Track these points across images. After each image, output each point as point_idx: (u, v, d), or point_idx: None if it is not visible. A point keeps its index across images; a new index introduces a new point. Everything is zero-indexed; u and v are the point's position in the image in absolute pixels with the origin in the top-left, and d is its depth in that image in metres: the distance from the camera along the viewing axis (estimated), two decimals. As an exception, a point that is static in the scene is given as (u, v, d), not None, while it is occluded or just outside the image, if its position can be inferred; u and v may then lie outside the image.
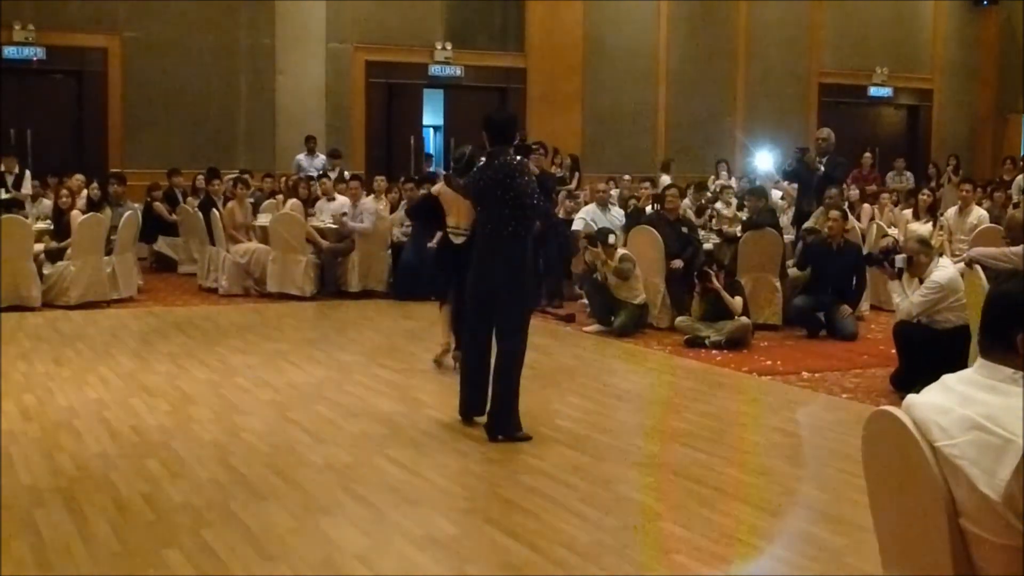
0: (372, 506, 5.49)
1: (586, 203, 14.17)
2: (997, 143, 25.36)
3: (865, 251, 11.54)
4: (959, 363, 2.78)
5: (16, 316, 11.42)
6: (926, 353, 7.62)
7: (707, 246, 11.83)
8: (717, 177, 19.01)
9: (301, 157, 18.36)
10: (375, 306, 12.80)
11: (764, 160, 18.41)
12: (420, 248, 12.35)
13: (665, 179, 17.80)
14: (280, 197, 15.51)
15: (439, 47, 20.99)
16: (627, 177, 17.62)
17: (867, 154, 19.30)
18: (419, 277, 12.15)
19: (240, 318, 11.81)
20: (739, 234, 11.96)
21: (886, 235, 12.16)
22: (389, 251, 13.70)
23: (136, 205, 14.65)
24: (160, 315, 11.90)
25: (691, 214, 12.69)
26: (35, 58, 18.38)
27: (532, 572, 4.66)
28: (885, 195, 15.53)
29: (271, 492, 5.71)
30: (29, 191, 15.58)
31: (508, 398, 6.89)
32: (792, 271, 11.58)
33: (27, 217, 12.98)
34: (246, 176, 15.48)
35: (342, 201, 14.45)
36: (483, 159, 7.20)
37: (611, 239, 11.02)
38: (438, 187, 9.09)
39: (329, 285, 13.50)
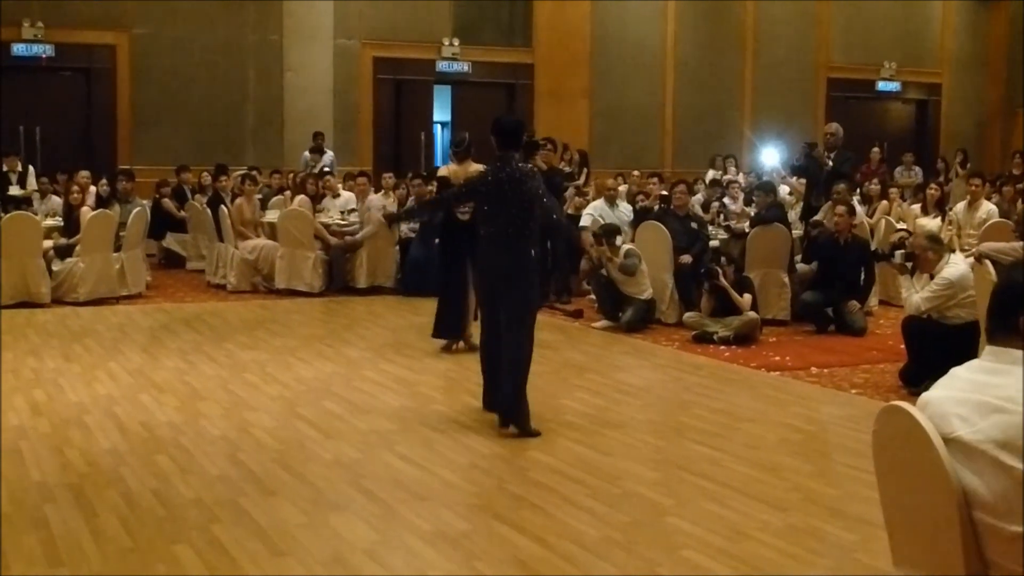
0: (381, 501, 5.49)
1: (594, 199, 14.16)
2: (1006, 137, 25.31)
3: (874, 246, 11.54)
4: (969, 358, 2.77)
5: (26, 312, 11.45)
6: (935, 349, 7.60)
7: (714, 242, 11.81)
8: (725, 172, 18.99)
9: (308, 153, 18.37)
10: (383, 302, 12.80)
11: (770, 156, 18.37)
12: (428, 244, 12.35)
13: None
14: (288, 193, 15.52)
15: (447, 43, 20.99)
16: (636, 172, 17.64)
17: (875, 149, 19.25)
18: (427, 273, 12.15)
19: (248, 314, 11.82)
20: (747, 229, 11.94)
21: (898, 230, 12.13)
22: (397, 247, 13.69)
23: (145, 201, 14.66)
24: (169, 311, 11.91)
25: (698, 209, 12.66)
26: (44, 55, 18.42)
27: (541, 567, 4.66)
28: (893, 190, 15.47)
29: (280, 487, 5.72)
30: (34, 187, 15.60)
31: (517, 392, 6.96)
32: (800, 266, 11.55)
33: (35, 214, 13.00)
34: (254, 173, 15.50)
35: (347, 197, 14.47)
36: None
37: (618, 240, 11.01)
38: (444, 169, 9.33)
39: (337, 281, 13.50)
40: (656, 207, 12.91)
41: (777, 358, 9.51)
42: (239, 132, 19.35)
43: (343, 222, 13.99)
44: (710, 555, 4.81)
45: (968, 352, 6.46)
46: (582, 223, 13.17)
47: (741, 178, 18.39)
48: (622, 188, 15.73)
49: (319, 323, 11.53)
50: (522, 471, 6.07)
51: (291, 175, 16.97)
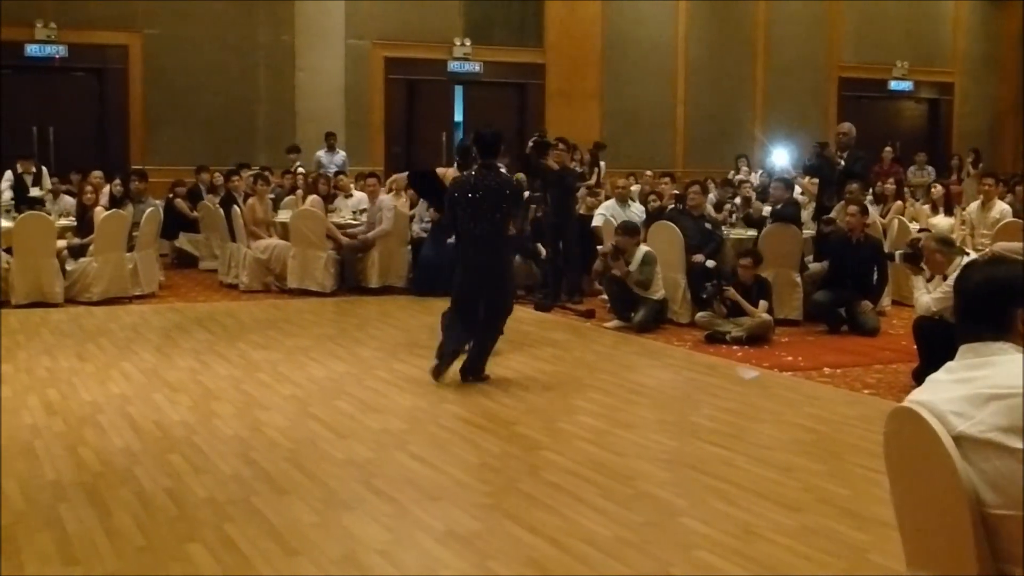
0: (393, 501, 5.50)
1: (606, 199, 14.16)
2: (1018, 136, 25.23)
3: (887, 247, 11.52)
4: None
5: (40, 312, 11.49)
6: (947, 349, 7.56)
7: (734, 233, 11.73)
8: (737, 172, 18.98)
9: (321, 154, 18.43)
10: (395, 302, 12.82)
11: (781, 156, 18.35)
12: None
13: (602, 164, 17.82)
14: (300, 193, 15.55)
15: (458, 43, 21.02)
16: (648, 172, 17.63)
17: (887, 148, 19.22)
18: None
19: (261, 314, 11.85)
20: (766, 213, 11.93)
21: (920, 231, 12.10)
22: (409, 247, 13.71)
23: (157, 201, 14.70)
24: (182, 311, 11.95)
25: (711, 209, 12.66)
26: (57, 56, 18.49)
27: (553, 567, 4.67)
28: (905, 189, 15.47)
29: (293, 487, 5.73)
30: (49, 187, 15.67)
31: (483, 361, 8.37)
32: (812, 265, 11.54)
33: (49, 214, 13.04)
34: (266, 173, 15.52)
35: (359, 197, 14.51)
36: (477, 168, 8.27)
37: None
38: (443, 169, 9.77)
39: (349, 281, 13.52)
40: (670, 207, 12.91)
41: (789, 358, 9.50)
42: (251, 132, 19.40)
43: (355, 222, 14.01)
44: (723, 555, 4.81)
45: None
46: (594, 223, 13.20)
47: (753, 178, 18.39)
48: (634, 188, 15.74)
49: (331, 323, 11.55)
50: (534, 471, 6.07)
51: (301, 175, 16.95)
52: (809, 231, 12.18)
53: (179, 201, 16.17)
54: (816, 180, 12.69)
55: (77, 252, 12.31)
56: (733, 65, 23.23)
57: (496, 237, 8.07)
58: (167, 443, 6.56)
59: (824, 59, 24.02)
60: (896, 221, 13.12)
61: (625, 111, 22.15)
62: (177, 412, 7.33)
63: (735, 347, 9.97)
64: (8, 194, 15.13)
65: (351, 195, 14.95)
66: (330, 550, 4.82)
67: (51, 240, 12.08)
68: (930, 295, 8.14)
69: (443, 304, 9.80)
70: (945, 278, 8.10)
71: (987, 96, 25.68)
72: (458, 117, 22.23)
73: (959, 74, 25.47)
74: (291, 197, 15.68)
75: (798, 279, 11.36)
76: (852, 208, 11.01)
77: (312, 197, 14.36)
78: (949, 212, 14.09)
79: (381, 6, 20.31)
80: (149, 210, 13.23)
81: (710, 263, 11.21)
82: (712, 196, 14.28)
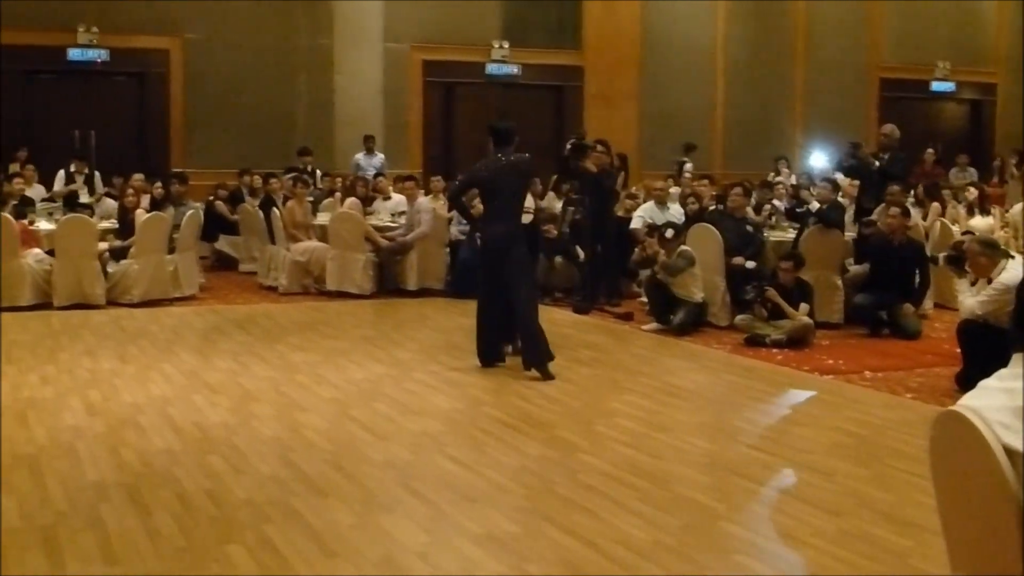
0: (432, 503, 5.51)
1: (644, 201, 14.12)
2: (1062, 138, 24.94)
3: (929, 249, 11.42)
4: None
5: (81, 314, 11.59)
6: (992, 353, 7.48)
7: (774, 235, 11.65)
8: (777, 174, 18.89)
9: (359, 156, 18.45)
10: (433, 304, 12.85)
11: (819, 159, 18.27)
12: (477, 245, 12.36)
13: (688, 167, 17.72)
14: (339, 196, 15.59)
15: (496, 45, 21.02)
16: (688, 174, 17.54)
17: (929, 150, 19.06)
18: (476, 275, 12.16)
19: (300, 316, 11.90)
20: (810, 208, 11.87)
21: (964, 233, 11.99)
22: (447, 249, 13.73)
23: (197, 204, 14.79)
24: (221, 313, 12.02)
25: (751, 212, 12.59)
26: (99, 60, 18.66)
27: (591, 570, 4.65)
28: (947, 191, 15.33)
29: (332, 489, 5.74)
30: (102, 190, 15.84)
31: (533, 336, 8.66)
32: (853, 268, 11.45)
33: (92, 216, 13.15)
34: (305, 176, 15.58)
35: (398, 200, 14.52)
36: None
37: (668, 232, 10.98)
38: None
39: (387, 283, 13.55)
40: (709, 208, 12.87)
41: (830, 361, 9.44)
42: (290, 135, 19.44)
43: (393, 224, 14.04)
44: (762, 559, 4.78)
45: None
46: (632, 224, 13.16)
47: (793, 179, 18.29)
48: (673, 190, 15.67)
49: (369, 325, 11.58)
50: (572, 473, 6.06)
51: (339, 178, 16.99)
52: (850, 233, 12.09)
53: (219, 204, 16.26)
54: (856, 182, 12.59)
55: (118, 254, 12.41)
56: (772, 66, 23.10)
57: (512, 209, 8.91)
58: (207, 444, 6.60)
59: (865, 60, 23.83)
60: (938, 224, 13.01)
61: (663, 113, 22.07)
62: (217, 413, 7.37)
63: (775, 350, 9.91)
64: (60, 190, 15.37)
65: (389, 198, 14.98)
66: (369, 552, 4.83)
67: (93, 242, 12.19)
68: (975, 298, 8.07)
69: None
70: (990, 281, 8.02)
71: (1030, 97, 25.40)
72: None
73: (1002, 74, 25.19)
74: (330, 200, 15.74)
75: (839, 282, 11.28)
76: (893, 210, 10.93)
77: (350, 200, 14.40)
78: (985, 213, 13.95)
79: (419, 8, 20.34)
80: (189, 213, 13.32)
81: (750, 264, 11.17)
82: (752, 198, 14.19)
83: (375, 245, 13.48)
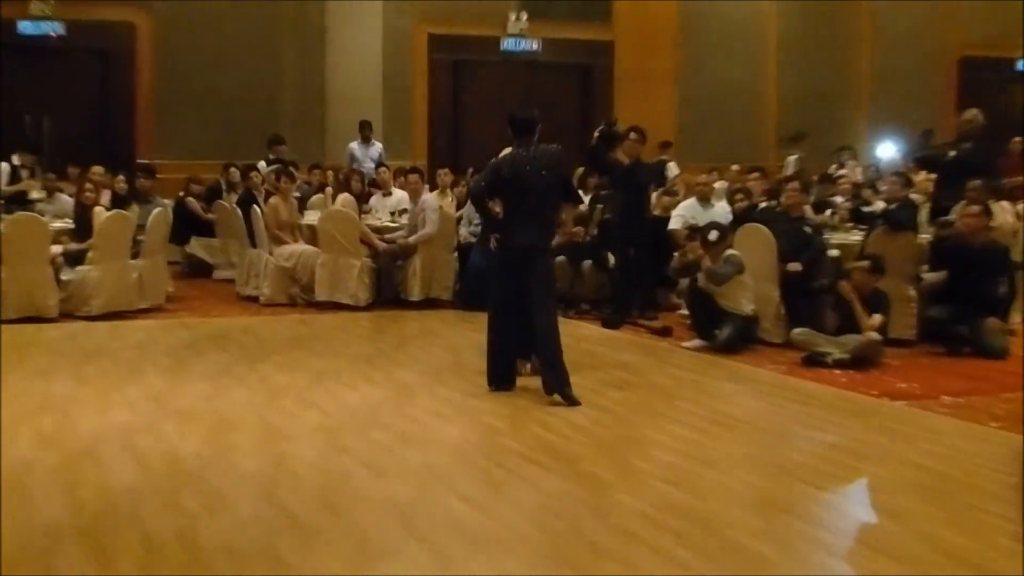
0: (438, 550, 5.48)
1: (685, 198, 14.10)
2: None
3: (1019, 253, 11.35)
4: None
5: (32, 329, 11.60)
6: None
7: (833, 251, 11.62)
8: (840, 167, 18.83)
9: (354, 146, 18.50)
10: (440, 317, 12.84)
11: (887, 148, 18.22)
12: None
13: (791, 160, 17.62)
14: (330, 191, 15.62)
15: (513, 18, 21.04)
16: (734, 167, 17.51)
17: (1017, 139, 18.96)
18: (489, 284, 12.17)
19: (285, 331, 11.91)
20: (877, 212, 11.87)
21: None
22: (455, 254, 13.73)
23: (167, 201, 14.83)
24: (194, 327, 12.03)
25: (809, 211, 12.57)
26: (54, 34, 18.71)
27: (625, 629, 4.62)
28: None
29: (322, 532, 5.72)
30: (35, 184, 15.73)
31: (557, 361, 8.67)
32: (928, 276, 11.36)
33: (42, 215, 13.06)
34: (291, 168, 15.59)
35: (399, 196, 14.53)
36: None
37: (712, 235, 10.96)
38: None
39: (387, 293, 13.56)
40: (761, 206, 12.84)
41: (902, 385, 9.41)
42: (275, 121, 19.48)
43: (394, 224, 14.05)
44: (825, 617, 4.75)
45: None
46: (671, 225, 13.14)
47: (858, 172, 18.24)
48: (718, 185, 15.65)
49: (366, 341, 11.57)
50: (601, 515, 6.03)
51: (330, 171, 17.02)
52: (926, 235, 12.02)
53: (192, 201, 16.31)
54: (933, 176, 12.55)
55: (74, 259, 12.41)
56: (833, 41, 23.06)
57: (544, 214, 8.88)
58: (177, 480, 6.58)
59: (941, 36, 23.75)
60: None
61: (706, 95, 22.07)
62: (189, 444, 7.35)
63: (837, 371, 9.88)
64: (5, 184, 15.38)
65: (390, 193, 15.00)
66: (365, 606, 4.80)
67: (45, 245, 12.20)
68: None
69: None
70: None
71: None
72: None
73: (1101, 51, 25.11)
74: (320, 196, 15.76)
75: (912, 292, 11.22)
76: (972, 208, 10.87)
77: (344, 196, 14.43)
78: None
79: (423, -25, 20.41)
80: (157, 211, 13.34)
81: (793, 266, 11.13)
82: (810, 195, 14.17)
83: (372, 248, 13.48)
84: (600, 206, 13.38)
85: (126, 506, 6.12)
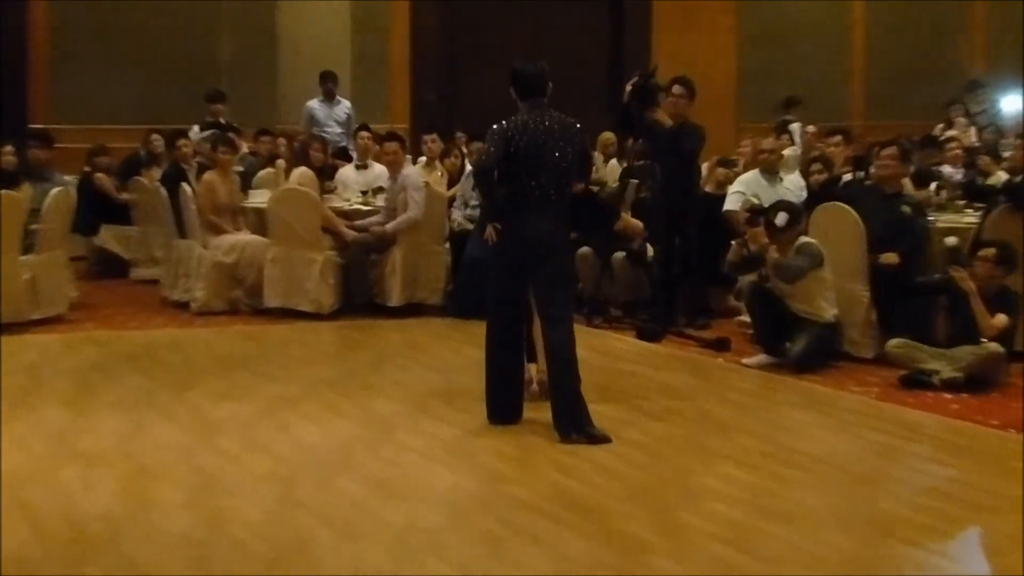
0: (424, 636, 5.45)
1: (746, 169, 14.05)
2: None
3: None
4: None
5: None
6: None
7: (951, 239, 11.56)
8: (948, 126, 18.76)
9: (314, 104, 18.48)
10: (427, 327, 12.85)
11: (1013, 101, 18.14)
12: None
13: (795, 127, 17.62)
14: (282, 164, 15.57)
15: (517, -65, 21.02)
16: (810, 128, 17.43)
17: None
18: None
19: (225, 347, 11.90)
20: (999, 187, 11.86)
21: None
22: (447, 245, 13.69)
23: (69, 179, 14.78)
24: (104, 343, 12.01)
25: (909, 185, 12.52)
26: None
27: None
28: None
29: (271, 614, 5.70)
30: None
31: (577, 392, 8.68)
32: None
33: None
34: (232, 134, 15.54)
35: (377, 172, 14.47)
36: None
37: (780, 218, 10.92)
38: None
39: (358, 297, 13.55)
40: (844, 179, 12.78)
41: (1032, 412, 9.38)
42: (210, 73, 19.44)
43: (366, 207, 14.01)
44: None
45: None
46: (727, 205, 13.10)
47: (972, 134, 18.17)
48: (788, 152, 15.59)
49: (331, 360, 11.56)
50: (639, 588, 6.01)
51: (282, 138, 16.98)
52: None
53: (101, 177, 16.27)
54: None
55: (-53, 256, 12.42)
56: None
57: (561, 198, 8.88)
58: (81, 546, 6.55)
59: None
60: None
61: (773, 35, 22.02)
62: (96, 499, 7.32)
63: (947, 394, 9.85)
64: None
65: (365, 166, 14.96)
66: None
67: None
68: None
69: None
70: None
71: None
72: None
73: None
74: (270, 171, 15.72)
75: (1043, 293, 11.20)
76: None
77: (301, 170, 14.36)
78: None
79: None
80: (56, 191, 13.30)
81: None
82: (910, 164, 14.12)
83: (339, 239, 13.45)
84: (635, 182, 13.32)
85: (13, 581, 6.09)
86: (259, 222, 13.82)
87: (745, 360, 11.17)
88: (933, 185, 13.45)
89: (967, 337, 10.20)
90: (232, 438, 8.66)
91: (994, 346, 10.16)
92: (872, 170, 12.20)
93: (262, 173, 15.75)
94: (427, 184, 13.67)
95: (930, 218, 12.01)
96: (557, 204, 8.82)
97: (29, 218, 12.85)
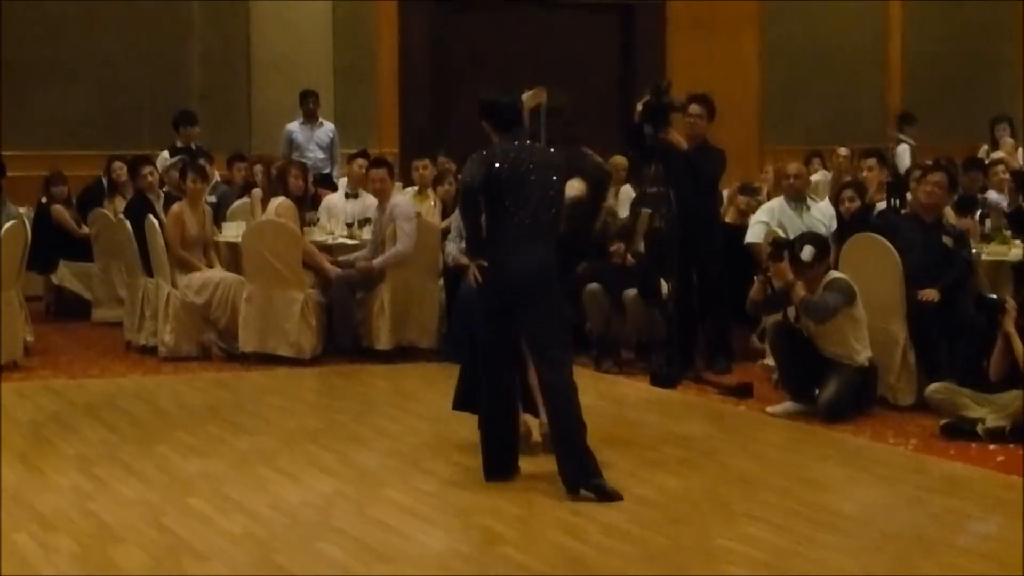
0: None
1: (770, 196, 14.07)
2: None
3: None
4: None
5: None
6: None
7: (988, 252, 11.56)
8: (995, 146, 18.77)
9: (294, 127, 18.48)
10: (418, 373, 12.87)
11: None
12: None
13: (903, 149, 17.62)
14: (259, 194, 15.60)
15: (520, -62, 21.10)
16: (841, 151, 17.45)
17: None
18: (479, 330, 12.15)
19: (195, 396, 11.91)
20: None
21: None
22: (440, 281, 13.71)
23: (23, 210, 14.80)
24: (63, 392, 12.02)
25: (950, 213, 12.54)
26: None
27: None
28: None
29: None
30: None
31: (580, 438, 8.64)
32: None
33: None
34: (203, 161, 15.56)
35: (368, 202, 14.45)
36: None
37: (806, 252, 10.93)
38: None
39: (342, 339, 13.57)
40: (879, 207, 12.80)
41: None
42: (177, 94, 19.47)
43: (352, 240, 14.03)
44: None
45: None
46: (749, 236, 13.09)
47: (1021, 156, 18.18)
48: (816, 177, 15.63)
49: (312, 410, 11.57)
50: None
51: (258, 165, 17.01)
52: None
53: (59, 209, 16.28)
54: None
55: None
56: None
57: (550, 230, 8.99)
58: (37, 617, 6.58)
59: None
60: None
61: (801, 49, 22.07)
62: (53, 565, 7.33)
63: (992, 445, 9.85)
64: None
65: (357, 195, 14.97)
66: None
67: None
68: None
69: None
70: None
71: None
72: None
73: None
74: (245, 200, 15.74)
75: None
76: None
77: (280, 201, 14.37)
78: None
79: None
80: (9, 224, 13.32)
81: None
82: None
83: (322, 275, 13.47)
84: (647, 211, 13.34)
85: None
86: (233, 257, 13.85)
87: (770, 408, 11.18)
88: (977, 213, 13.48)
89: (1017, 380, 10.21)
90: (203, 497, 8.66)
91: (1046, 392, 10.19)
92: (910, 196, 12.20)
93: (236, 204, 15.80)
94: (418, 214, 13.72)
95: (974, 250, 12.05)
96: (546, 236, 8.90)
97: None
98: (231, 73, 19.75)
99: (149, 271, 13.90)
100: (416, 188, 15.12)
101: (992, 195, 14.57)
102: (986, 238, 12.71)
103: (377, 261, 13.49)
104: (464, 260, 13.23)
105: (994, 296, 10.58)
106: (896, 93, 22.82)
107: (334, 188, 16.33)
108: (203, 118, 19.01)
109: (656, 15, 21.78)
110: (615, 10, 21.90)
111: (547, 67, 20.60)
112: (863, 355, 10.89)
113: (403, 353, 13.49)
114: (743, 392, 11.69)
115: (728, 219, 13.69)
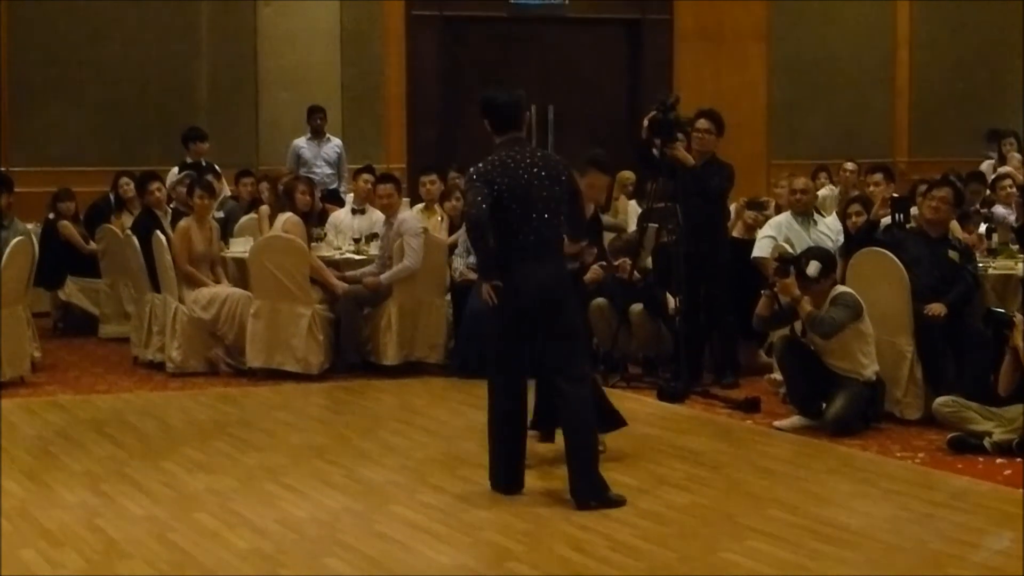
0: None
1: (777, 212, 14.06)
2: None
3: None
4: None
5: None
6: None
7: (994, 266, 11.54)
8: (1000, 161, 18.74)
9: (301, 143, 18.48)
10: (425, 388, 12.88)
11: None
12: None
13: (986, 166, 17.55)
14: (266, 210, 15.60)
15: (527, -46, 21.09)
16: (848, 166, 17.43)
17: None
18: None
19: (202, 412, 11.91)
20: None
21: None
22: (448, 297, 13.70)
23: (31, 226, 14.80)
24: (70, 408, 12.02)
25: (956, 227, 12.52)
26: None
27: None
28: None
29: None
30: None
31: (595, 460, 8.82)
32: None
33: None
34: (211, 177, 15.56)
35: (375, 218, 14.43)
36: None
37: (812, 268, 10.92)
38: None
39: (350, 355, 13.55)
40: (885, 223, 12.79)
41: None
42: (185, 111, 19.46)
43: (359, 256, 14.02)
44: None
45: None
46: (756, 251, 13.07)
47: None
48: (824, 192, 15.61)
49: (319, 425, 11.56)
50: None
51: (264, 181, 17.01)
52: None
53: (66, 225, 16.28)
54: None
55: None
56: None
57: (558, 241, 8.98)
58: (44, 632, 6.58)
59: None
60: None
61: (809, 63, 22.05)
62: (62, 580, 7.35)
63: (999, 459, 9.84)
64: None
65: (363, 211, 14.96)
66: None
67: None
68: None
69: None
70: None
71: None
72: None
73: None
74: (252, 216, 15.74)
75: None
76: None
77: (287, 217, 14.38)
78: None
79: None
80: (17, 241, 13.32)
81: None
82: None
83: (329, 291, 13.47)
84: (654, 226, 13.33)
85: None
86: (240, 273, 13.83)
87: (777, 423, 11.17)
88: (983, 227, 13.46)
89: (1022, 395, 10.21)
90: (211, 512, 8.66)
91: (1050, 406, 10.19)
92: (914, 211, 12.19)
93: (243, 219, 15.78)
94: (425, 230, 13.69)
95: (980, 264, 12.03)
96: (556, 249, 8.89)
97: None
98: (238, 89, 19.75)
99: (156, 287, 13.90)
100: (423, 204, 15.09)
101: (999, 209, 14.57)
102: (993, 252, 12.69)
103: (384, 276, 13.48)
104: (472, 275, 13.33)
105: (1003, 311, 10.57)
106: (903, 108, 22.77)
107: (341, 204, 16.30)
108: (210, 134, 19.01)
109: (664, 30, 21.72)
110: (623, 25, 21.86)
111: (555, 83, 20.64)
112: (870, 370, 10.89)
113: (410, 368, 13.48)
114: (750, 407, 11.69)
115: (735, 234, 13.68)
